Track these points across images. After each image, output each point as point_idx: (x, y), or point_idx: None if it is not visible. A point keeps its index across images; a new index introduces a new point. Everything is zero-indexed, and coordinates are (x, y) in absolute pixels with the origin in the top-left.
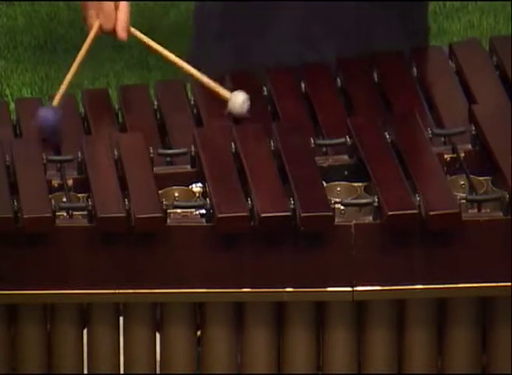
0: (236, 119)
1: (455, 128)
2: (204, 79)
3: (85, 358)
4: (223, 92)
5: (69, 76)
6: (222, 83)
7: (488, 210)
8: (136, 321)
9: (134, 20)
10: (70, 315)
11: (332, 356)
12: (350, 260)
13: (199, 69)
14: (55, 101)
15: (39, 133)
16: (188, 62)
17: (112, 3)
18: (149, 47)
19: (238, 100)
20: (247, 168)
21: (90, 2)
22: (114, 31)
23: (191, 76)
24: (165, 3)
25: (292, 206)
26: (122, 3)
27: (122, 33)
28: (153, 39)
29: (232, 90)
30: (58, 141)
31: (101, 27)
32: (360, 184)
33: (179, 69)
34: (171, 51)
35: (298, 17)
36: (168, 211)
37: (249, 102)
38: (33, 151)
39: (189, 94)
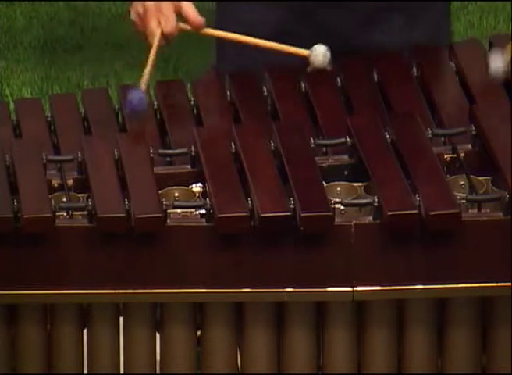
0: (236, 119)
1: (455, 128)
2: (279, 46)
3: (85, 358)
4: (301, 51)
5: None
6: (220, 83)
7: (488, 210)
8: (136, 321)
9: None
10: (70, 315)
11: (332, 356)
12: (350, 260)
13: None
14: (143, 86)
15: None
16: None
17: (170, 3)
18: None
19: (319, 52)
20: (247, 168)
21: (148, 12)
22: (172, 34)
23: (264, 47)
24: None
25: (292, 206)
26: (183, 3)
27: (196, 22)
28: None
29: None
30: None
31: (162, 34)
32: (360, 184)
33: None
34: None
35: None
36: (168, 211)
37: (329, 53)
38: (33, 151)
39: (189, 94)
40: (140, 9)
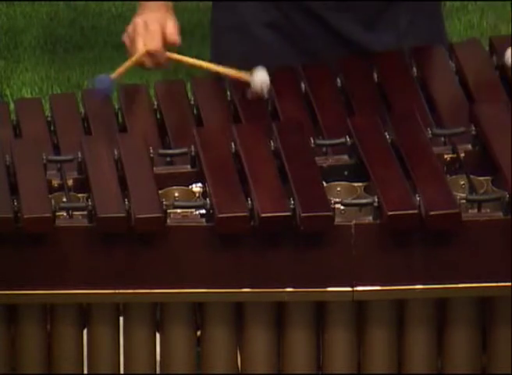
0: (236, 119)
1: (455, 128)
2: (231, 71)
3: (85, 358)
4: (244, 75)
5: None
6: (220, 83)
7: (488, 210)
8: (136, 321)
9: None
10: (70, 315)
11: (332, 356)
12: (350, 260)
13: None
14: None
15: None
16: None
17: (157, 22)
18: (186, 63)
19: (257, 77)
20: (247, 168)
21: (136, 30)
22: (157, 51)
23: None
24: None
25: (292, 206)
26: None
27: (174, 38)
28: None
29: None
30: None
31: (147, 52)
32: (360, 184)
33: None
34: (175, 52)
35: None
36: (168, 211)
37: (268, 79)
38: (33, 151)
39: (189, 94)
40: (130, 28)
